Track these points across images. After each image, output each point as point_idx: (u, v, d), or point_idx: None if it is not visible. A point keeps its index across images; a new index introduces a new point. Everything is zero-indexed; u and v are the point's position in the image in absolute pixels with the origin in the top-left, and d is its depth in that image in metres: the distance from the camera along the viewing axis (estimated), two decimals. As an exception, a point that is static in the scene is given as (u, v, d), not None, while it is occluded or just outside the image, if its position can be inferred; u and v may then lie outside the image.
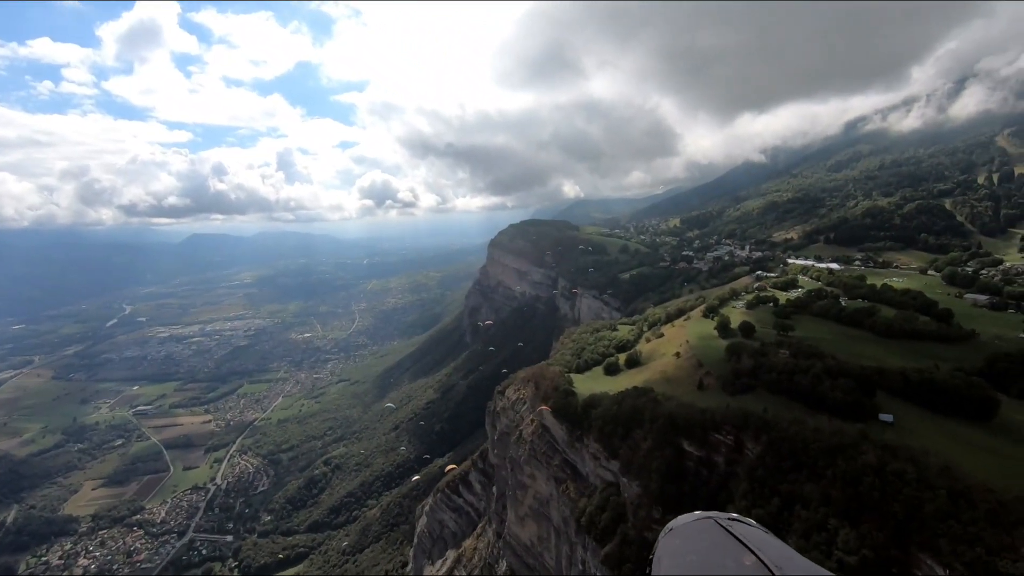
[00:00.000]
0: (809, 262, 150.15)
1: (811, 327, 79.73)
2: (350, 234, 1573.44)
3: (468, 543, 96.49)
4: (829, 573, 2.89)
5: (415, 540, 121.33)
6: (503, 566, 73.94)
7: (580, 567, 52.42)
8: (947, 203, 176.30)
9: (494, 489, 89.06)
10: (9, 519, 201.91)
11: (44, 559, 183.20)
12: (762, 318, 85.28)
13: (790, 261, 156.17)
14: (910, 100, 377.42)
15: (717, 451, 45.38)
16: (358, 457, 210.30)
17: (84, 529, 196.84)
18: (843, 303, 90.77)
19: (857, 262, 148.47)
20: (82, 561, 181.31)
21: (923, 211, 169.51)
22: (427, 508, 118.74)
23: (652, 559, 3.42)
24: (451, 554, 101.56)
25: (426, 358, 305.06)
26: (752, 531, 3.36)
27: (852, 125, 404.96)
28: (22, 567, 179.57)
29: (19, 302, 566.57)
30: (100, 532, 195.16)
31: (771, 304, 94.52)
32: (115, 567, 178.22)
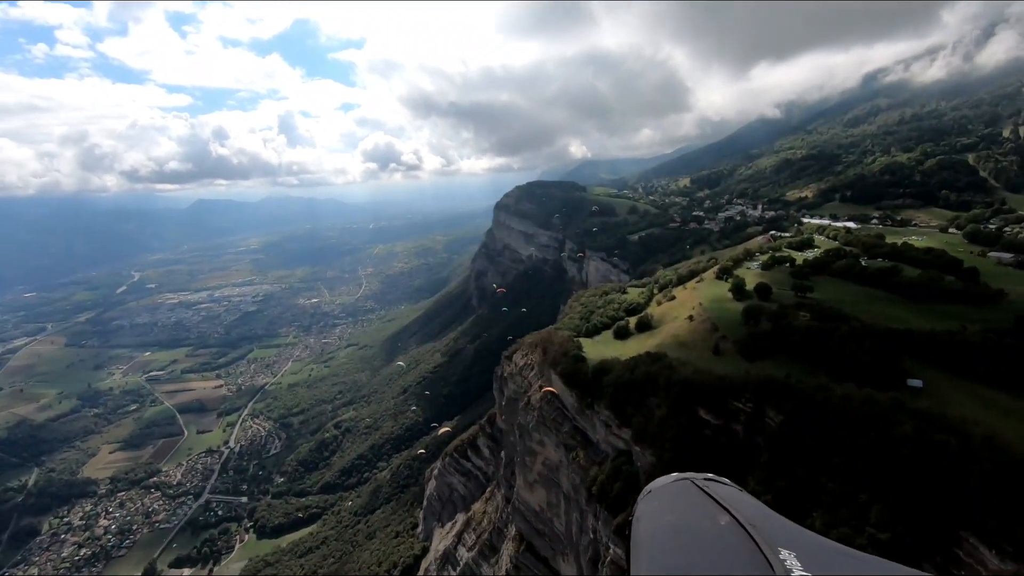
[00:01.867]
0: (825, 221, 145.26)
1: (830, 288, 76.51)
2: (355, 198, 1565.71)
3: (477, 507, 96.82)
4: (804, 528, 2.94)
5: (424, 503, 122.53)
6: (512, 530, 73.81)
7: (591, 535, 51.34)
8: (970, 158, 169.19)
9: (502, 454, 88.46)
10: (31, 482, 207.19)
11: (66, 520, 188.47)
12: (778, 279, 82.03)
13: (805, 220, 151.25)
14: (935, 49, 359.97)
15: (736, 419, 43.18)
16: (367, 420, 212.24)
17: (103, 491, 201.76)
18: (863, 263, 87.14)
19: (875, 220, 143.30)
20: (103, 522, 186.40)
21: (944, 167, 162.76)
22: (436, 472, 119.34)
23: (631, 521, 3.46)
24: (460, 517, 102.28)
25: (433, 322, 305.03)
26: (728, 491, 3.42)
27: (871, 77, 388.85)
28: (45, 527, 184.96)
29: (29, 270, 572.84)
30: (119, 494, 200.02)
31: (787, 265, 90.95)
32: (134, 527, 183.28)
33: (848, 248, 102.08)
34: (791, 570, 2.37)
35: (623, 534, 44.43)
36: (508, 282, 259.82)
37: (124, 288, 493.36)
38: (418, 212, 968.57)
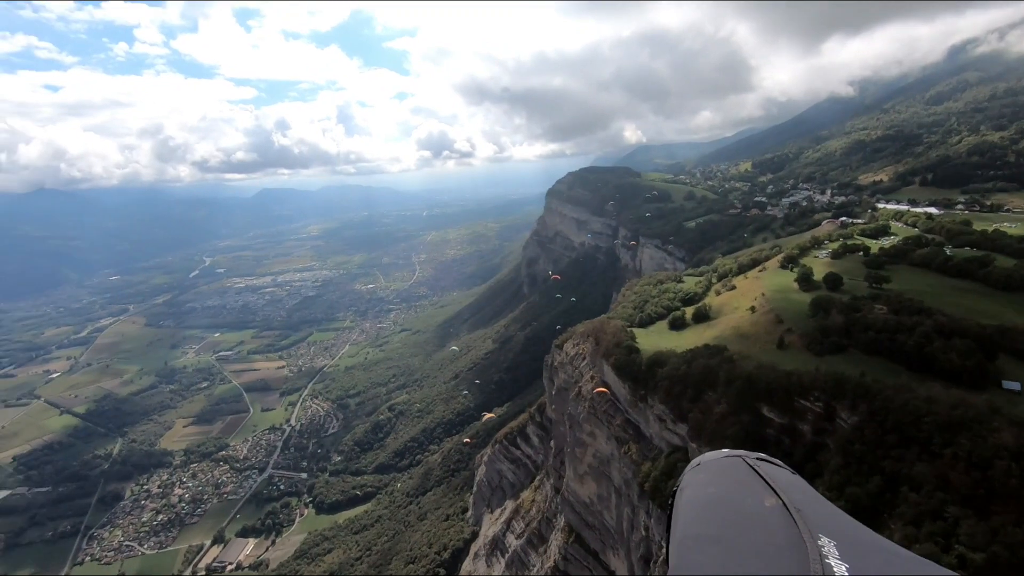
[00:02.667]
0: (903, 207, 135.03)
1: (910, 279, 70.48)
2: (410, 186, 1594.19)
3: (526, 495, 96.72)
4: (856, 521, 2.89)
5: (475, 488, 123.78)
6: (561, 521, 73.06)
7: (643, 532, 49.69)
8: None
9: (552, 443, 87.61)
10: (115, 451, 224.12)
11: (146, 487, 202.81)
12: (850, 269, 76.57)
13: (880, 206, 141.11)
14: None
15: (803, 419, 40.26)
16: (419, 404, 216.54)
17: (178, 462, 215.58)
18: (948, 252, 79.92)
19: (960, 206, 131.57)
20: (177, 491, 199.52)
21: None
22: (486, 458, 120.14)
23: (675, 491, 3.49)
24: (509, 504, 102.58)
25: (484, 309, 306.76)
26: (780, 472, 3.37)
27: (959, 49, 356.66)
28: (127, 493, 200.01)
29: (114, 255, 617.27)
30: (191, 465, 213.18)
31: (860, 253, 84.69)
32: (205, 497, 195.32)
33: (930, 236, 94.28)
34: (827, 557, 2.35)
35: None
36: (560, 269, 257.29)
37: (196, 272, 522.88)
38: (470, 199, 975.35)
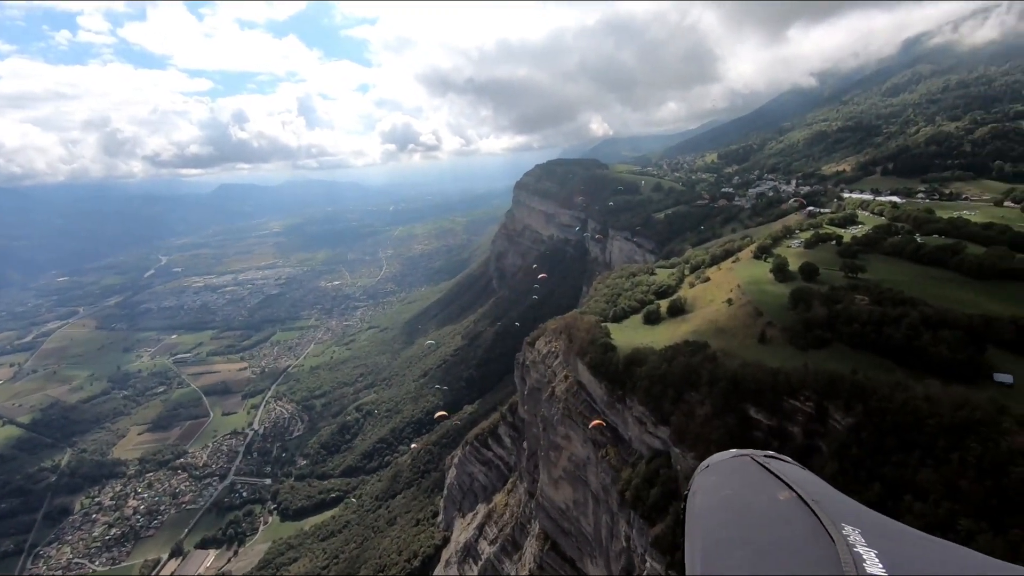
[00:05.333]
0: (866, 196, 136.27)
1: (884, 268, 69.50)
2: (375, 180, 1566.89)
3: (499, 498, 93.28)
4: (870, 509, 2.88)
5: (445, 491, 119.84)
6: (536, 527, 69.83)
7: (624, 543, 46.71)
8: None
9: (524, 445, 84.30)
10: (63, 462, 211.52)
11: (97, 500, 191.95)
12: (824, 258, 75.39)
13: (845, 195, 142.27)
14: (988, 8, 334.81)
15: (792, 420, 37.77)
16: (388, 404, 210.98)
17: (132, 472, 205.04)
18: (919, 240, 79.56)
19: (920, 194, 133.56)
20: (132, 502, 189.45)
21: (997, 135, 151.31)
22: (456, 460, 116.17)
23: (687, 495, 3.47)
24: (482, 508, 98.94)
25: (453, 305, 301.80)
26: (790, 468, 3.40)
27: (913, 42, 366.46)
28: (77, 507, 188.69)
29: (62, 255, 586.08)
30: (147, 475, 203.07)
31: (833, 242, 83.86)
32: (162, 508, 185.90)
33: (898, 224, 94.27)
34: (854, 545, 2.33)
35: (663, 547, 39.68)
36: (529, 263, 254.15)
37: (152, 272, 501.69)
38: (437, 193, 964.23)
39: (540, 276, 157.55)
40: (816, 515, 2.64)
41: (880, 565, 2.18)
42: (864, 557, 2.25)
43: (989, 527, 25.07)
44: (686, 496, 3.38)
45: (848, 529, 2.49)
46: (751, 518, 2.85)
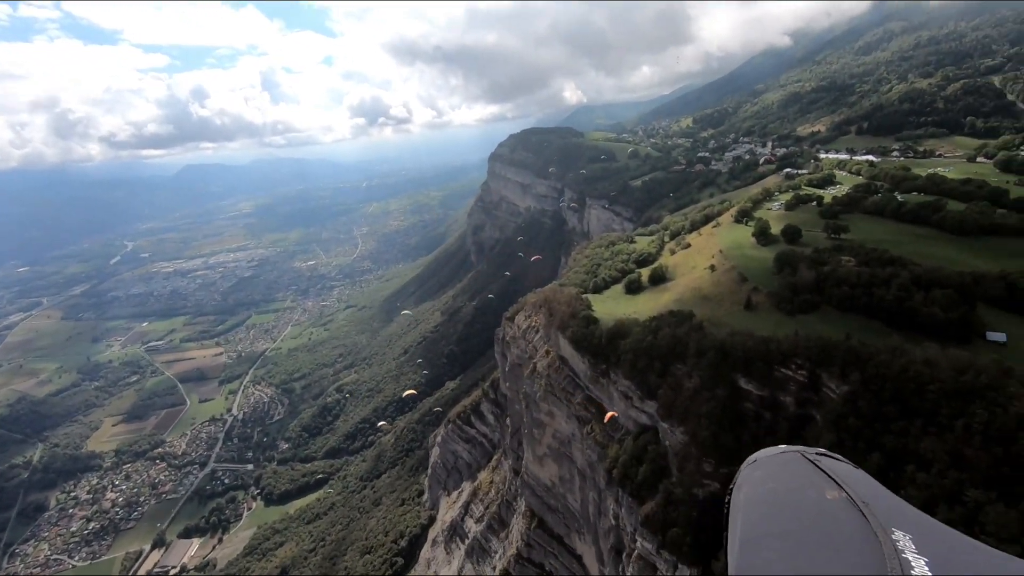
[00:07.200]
0: (842, 155, 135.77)
1: (867, 228, 68.31)
2: (346, 157, 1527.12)
3: (484, 476, 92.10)
4: (925, 514, 2.76)
5: (429, 470, 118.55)
6: (522, 505, 68.65)
7: (612, 521, 45.35)
8: (996, 80, 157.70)
9: (508, 422, 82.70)
10: (35, 458, 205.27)
11: (73, 494, 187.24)
12: (806, 220, 73.98)
13: (822, 155, 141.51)
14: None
15: (784, 390, 36.13)
16: (369, 383, 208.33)
17: (108, 464, 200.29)
18: (899, 198, 78.53)
19: (895, 152, 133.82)
20: (110, 495, 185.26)
21: (969, 91, 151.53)
22: (439, 439, 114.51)
23: (732, 489, 3.44)
24: (467, 486, 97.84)
25: (431, 280, 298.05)
26: (841, 466, 3.29)
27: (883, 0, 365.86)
28: (52, 503, 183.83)
29: (20, 244, 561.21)
30: (124, 466, 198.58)
31: (814, 203, 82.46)
32: (142, 499, 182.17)
33: (877, 183, 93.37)
34: (903, 551, 2.25)
35: (654, 526, 38.19)
36: (507, 236, 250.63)
37: (117, 259, 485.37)
38: (411, 168, 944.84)
39: (533, 258, 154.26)
40: (864, 516, 2.57)
41: (928, 573, 2.10)
42: (912, 563, 2.16)
43: (999, 498, 23.67)
44: (731, 490, 3.33)
45: (898, 534, 2.40)
46: (795, 514, 2.79)
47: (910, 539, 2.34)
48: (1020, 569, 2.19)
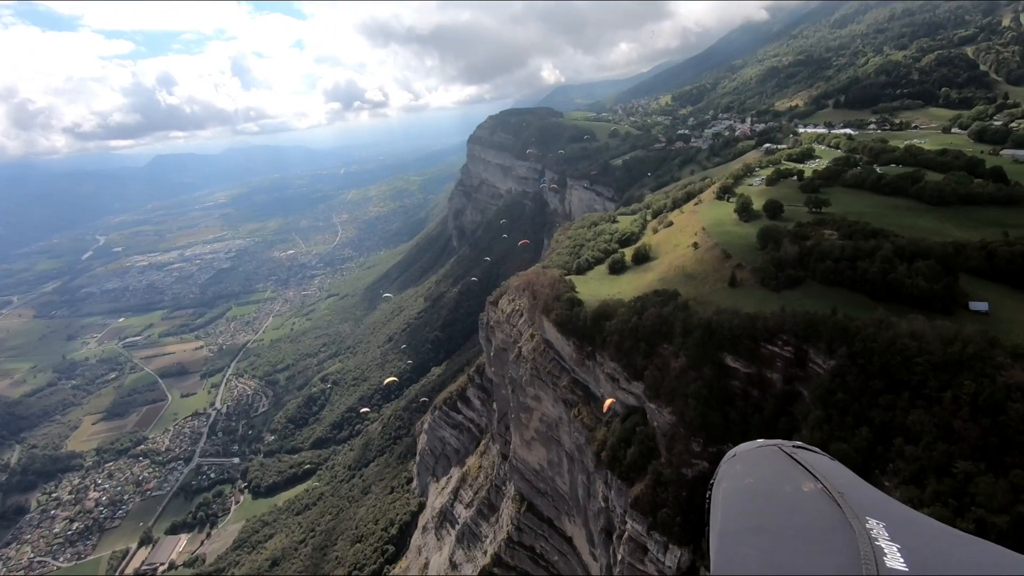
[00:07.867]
0: (821, 130, 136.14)
1: (847, 200, 68.45)
2: (322, 143, 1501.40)
3: (472, 461, 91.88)
4: (901, 503, 2.86)
5: (417, 457, 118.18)
6: (511, 489, 68.51)
7: (602, 503, 45.18)
8: (969, 51, 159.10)
9: (494, 407, 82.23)
10: (13, 460, 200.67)
11: (55, 495, 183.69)
12: (787, 195, 73.85)
13: (800, 130, 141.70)
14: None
15: (771, 366, 35.85)
16: (354, 372, 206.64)
17: (90, 463, 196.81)
18: (878, 170, 78.72)
19: (872, 125, 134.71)
20: (92, 494, 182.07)
21: (943, 62, 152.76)
22: (426, 425, 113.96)
23: (712, 484, 3.52)
24: (455, 472, 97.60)
25: (414, 266, 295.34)
26: (817, 458, 3.38)
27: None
28: (33, 505, 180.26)
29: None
30: (106, 465, 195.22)
31: (795, 178, 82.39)
32: (126, 497, 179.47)
33: (856, 156, 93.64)
34: (876, 539, 2.33)
35: (643, 508, 37.97)
36: (488, 219, 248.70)
37: (90, 253, 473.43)
38: (389, 153, 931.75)
39: (521, 243, 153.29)
40: (839, 506, 2.64)
41: (902, 560, 2.16)
42: (886, 551, 2.23)
43: (988, 468, 23.54)
44: (711, 485, 3.41)
45: (872, 522, 2.47)
46: (772, 507, 2.87)
47: (884, 527, 2.42)
48: (992, 552, 2.26)
